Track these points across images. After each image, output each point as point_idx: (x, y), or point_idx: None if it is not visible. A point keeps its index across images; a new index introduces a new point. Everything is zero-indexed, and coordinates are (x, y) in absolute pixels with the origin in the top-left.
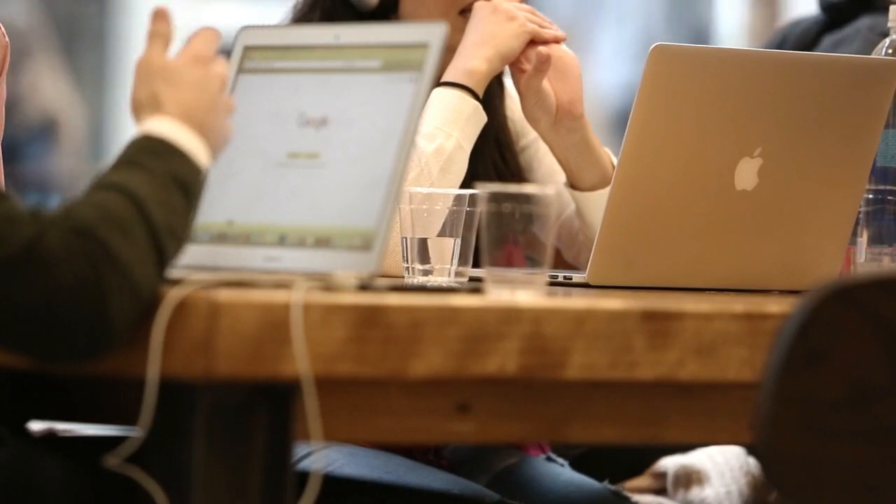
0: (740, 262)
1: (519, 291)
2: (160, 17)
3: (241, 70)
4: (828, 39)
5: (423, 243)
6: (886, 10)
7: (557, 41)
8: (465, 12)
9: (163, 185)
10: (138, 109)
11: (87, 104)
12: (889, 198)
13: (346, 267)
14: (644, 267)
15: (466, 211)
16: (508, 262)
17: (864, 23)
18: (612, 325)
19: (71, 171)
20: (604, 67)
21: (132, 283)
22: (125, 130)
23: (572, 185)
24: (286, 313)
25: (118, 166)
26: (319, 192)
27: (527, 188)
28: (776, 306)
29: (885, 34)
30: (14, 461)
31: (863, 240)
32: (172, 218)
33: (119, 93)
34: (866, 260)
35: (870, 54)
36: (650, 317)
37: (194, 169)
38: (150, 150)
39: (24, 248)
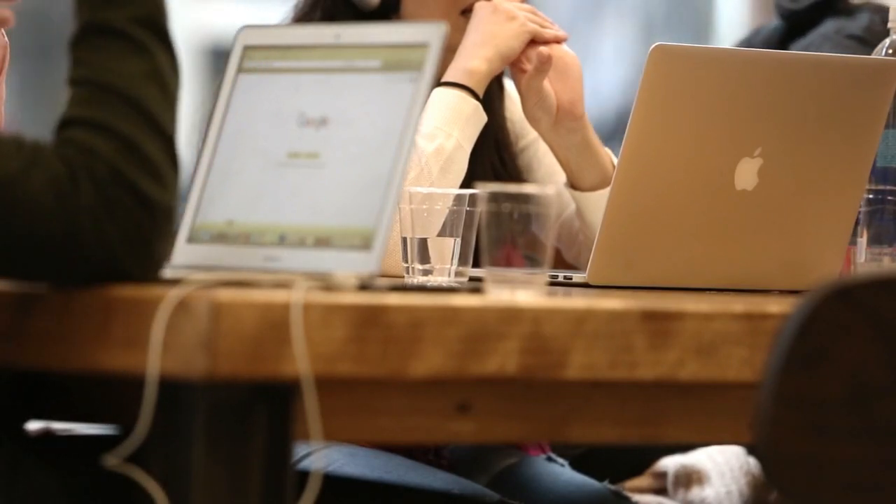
0: (740, 262)
1: (519, 291)
2: None
3: (241, 69)
4: (795, 46)
5: (423, 243)
6: (848, 13)
7: (558, 41)
8: (467, 12)
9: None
10: None
11: None
12: (889, 198)
13: (346, 267)
14: (644, 267)
15: (466, 211)
16: (508, 262)
17: (829, 27)
18: (612, 325)
19: None
20: (604, 67)
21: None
22: None
23: (573, 185)
24: (286, 313)
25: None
26: (319, 192)
27: (526, 188)
28: (776, 306)
29: (852, 35)
30: (11, 461)
31: (863, 240)
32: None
33: None
34: (866, 260)
35: None
36: (650, 317)
37: None
38: None
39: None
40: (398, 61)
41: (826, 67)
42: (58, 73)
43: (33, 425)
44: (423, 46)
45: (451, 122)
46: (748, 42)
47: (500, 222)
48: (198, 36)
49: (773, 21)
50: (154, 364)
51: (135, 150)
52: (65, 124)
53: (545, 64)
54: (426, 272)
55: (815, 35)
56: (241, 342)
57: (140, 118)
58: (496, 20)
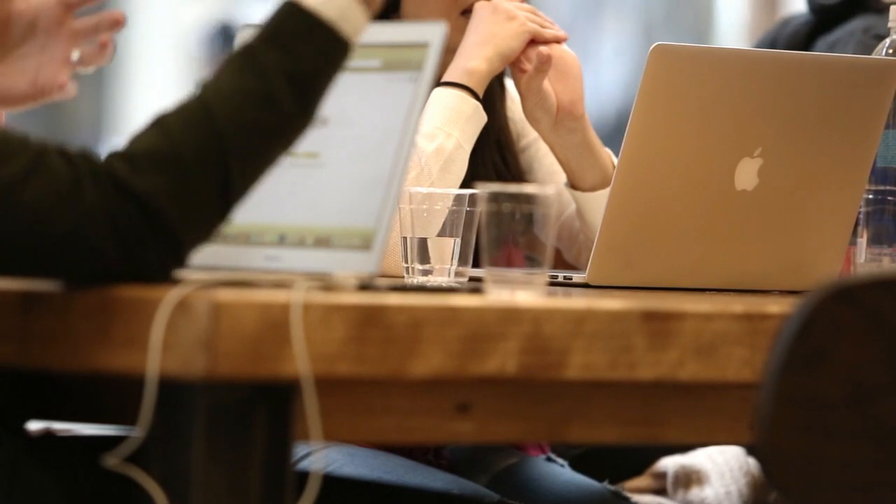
0: (740, 263)
1: (519, 291)
2: None
3: None
4: (821, 42)
5: (423, 243)
6: (880, 11)
7: (558, 41)
8: (467, 13)
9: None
10: None
11: (88, 100)
12: (889, 198)
13: (345, 267)
14: (644, 267)
15: (466, 211)
16: (508, 262)
17: (857, 24)
18: (612, 325)
19: None
20: (604, 67)
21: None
22: (125, 126)
23: (573, 185)
24: (286, 313)
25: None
26: (319, 192)
27: (527, 188)
28: (776, 306)
29: (880, 36)
30: (12, 461)
31: (863, 240)
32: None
33: (119, 88)
34: (866, 260)
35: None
36: (650, 317)
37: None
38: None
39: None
40: (398, 61)
41: (826, 67)
42: None
43: (34, 425)
44: (423, 46)
45: (451, 122)
46: (774, 35)
47: (501, 222)
48: (195, 34)
49: (803, 14)
50: (154, 364)
51: (176, 173)
52: (155, 119)
53: (545, 64)
54: (426, 272)
55: (841, 31)
56: (240, 342)
57: (210, 149)
58: (496, 20)
